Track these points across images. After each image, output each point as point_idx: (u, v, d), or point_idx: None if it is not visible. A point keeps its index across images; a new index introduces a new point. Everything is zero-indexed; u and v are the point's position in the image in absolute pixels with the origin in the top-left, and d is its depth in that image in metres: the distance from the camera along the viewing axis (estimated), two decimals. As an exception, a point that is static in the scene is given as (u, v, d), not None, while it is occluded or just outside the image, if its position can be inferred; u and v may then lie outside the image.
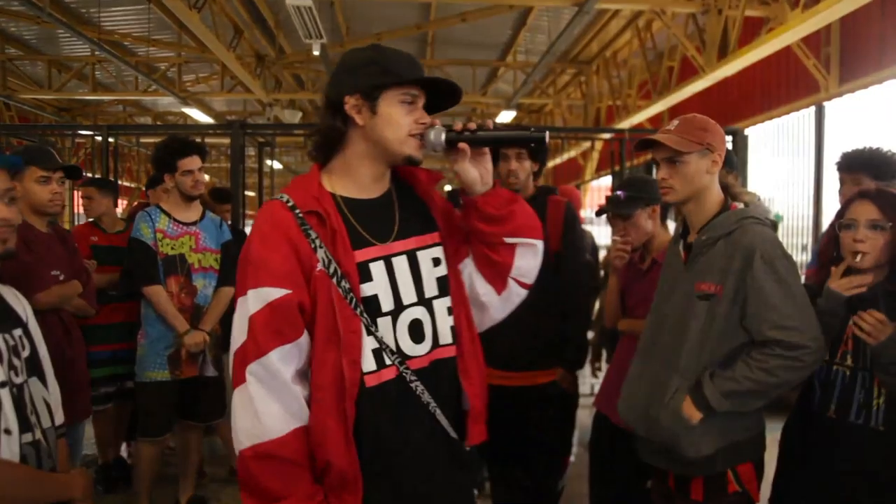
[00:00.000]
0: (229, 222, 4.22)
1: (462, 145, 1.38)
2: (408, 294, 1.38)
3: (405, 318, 1.37)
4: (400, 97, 1.35)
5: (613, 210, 2.53)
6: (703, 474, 1.80)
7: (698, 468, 1.80)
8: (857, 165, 2.59)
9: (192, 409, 3.15)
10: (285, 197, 1.35)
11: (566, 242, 2.70)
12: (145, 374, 3.03)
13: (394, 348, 1.34)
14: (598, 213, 2.72)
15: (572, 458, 4.10)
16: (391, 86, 1.34)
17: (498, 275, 1.50)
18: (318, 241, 1.30)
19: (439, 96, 1.43)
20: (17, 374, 1.41)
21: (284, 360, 1.27)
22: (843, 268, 1.81)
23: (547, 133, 1.46)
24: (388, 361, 1.33)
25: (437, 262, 1.45)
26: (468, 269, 1.52)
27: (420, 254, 1.42)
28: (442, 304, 1.43)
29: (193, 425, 3.25)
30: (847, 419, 1.77)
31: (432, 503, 1.40)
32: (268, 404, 1.25)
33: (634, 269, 2.57)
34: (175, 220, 3.09)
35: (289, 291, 1.27)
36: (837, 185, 2.68)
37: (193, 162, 3.06)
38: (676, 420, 1.75)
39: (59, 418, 1.54)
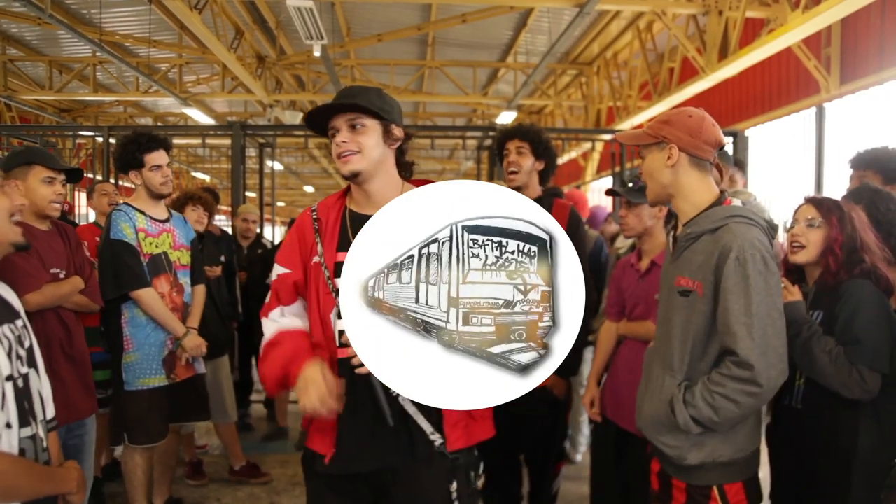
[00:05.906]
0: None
1: None
2: None
3: None
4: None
5: (623, 192, 2.53)
6: (685, 481, 1.75)
7: (679, 473, 1.76)
8: (865, 164, 2.60)
9: (177, 412, 3.01)
10: (314, 206, 1.78)
11: None
12: (139, 382, 2.85)
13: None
14: (608, 193, 2.81)
15: (579, 458, 4.10)
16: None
17: None
18: (319, 239, 1.70)
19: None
20: (22, 365, 1.44)
21: (281, 315, 1.73)
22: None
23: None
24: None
25: None
26: None
27: None
28: None
29: (174, 428, 3.14)
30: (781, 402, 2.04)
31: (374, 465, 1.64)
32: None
33: (632, 271, 2.57)
34: (151, 217, 2.94)
35: (288, 271, 1.73)
36: (841, 185, 2.69)
37: (161, 157, 2.91)
38: (660, 417, 1.72)
39: (51, 412, 1.56)
